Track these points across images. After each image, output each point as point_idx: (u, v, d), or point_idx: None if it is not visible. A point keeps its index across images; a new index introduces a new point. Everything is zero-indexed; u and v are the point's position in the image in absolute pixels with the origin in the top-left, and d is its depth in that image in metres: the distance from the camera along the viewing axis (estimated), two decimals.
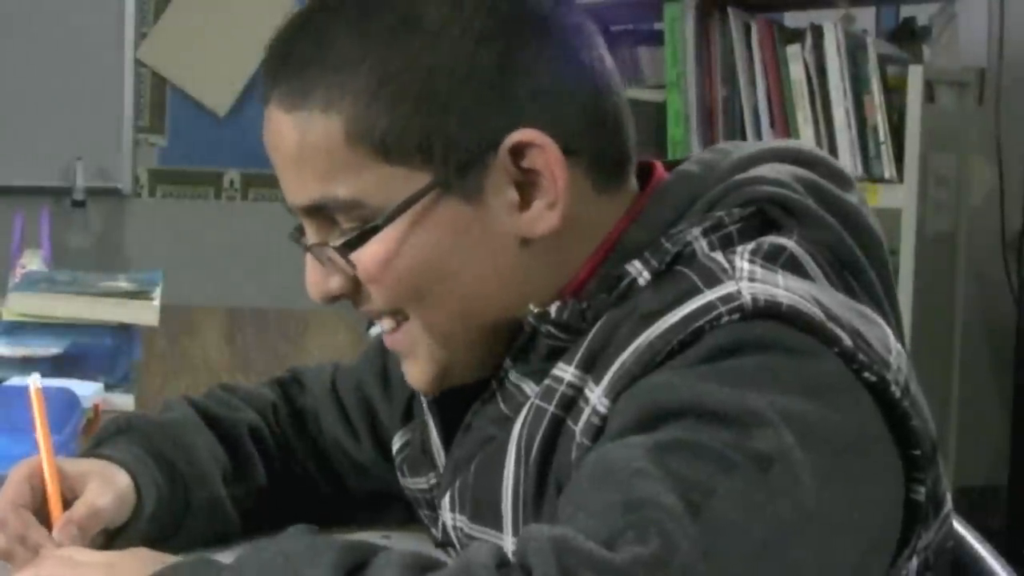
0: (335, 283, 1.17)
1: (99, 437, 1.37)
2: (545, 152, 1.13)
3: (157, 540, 1.30)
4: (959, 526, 1.36)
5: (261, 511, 1.40)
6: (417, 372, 1.21)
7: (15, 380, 1.89)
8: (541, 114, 1.13)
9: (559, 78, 1.14)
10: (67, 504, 1.24)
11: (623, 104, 1.19)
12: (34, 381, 1.29)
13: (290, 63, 1.15)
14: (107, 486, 1.27)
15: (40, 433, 1.26)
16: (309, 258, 1.19)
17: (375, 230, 1.13)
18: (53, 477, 1.25)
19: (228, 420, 1.42)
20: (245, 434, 1.42)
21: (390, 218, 1.13)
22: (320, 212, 1.16)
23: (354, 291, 1.17)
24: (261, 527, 1.34)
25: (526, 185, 1.14)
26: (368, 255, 1.14)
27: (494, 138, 1.12)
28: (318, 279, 1.18)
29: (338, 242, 1.15)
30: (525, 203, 1.14)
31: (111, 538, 1.28)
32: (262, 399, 1.47)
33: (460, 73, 1.12)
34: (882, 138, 3.23)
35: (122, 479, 1.29)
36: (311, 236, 1.18)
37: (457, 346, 1.19)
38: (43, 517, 1.23)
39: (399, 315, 1.19)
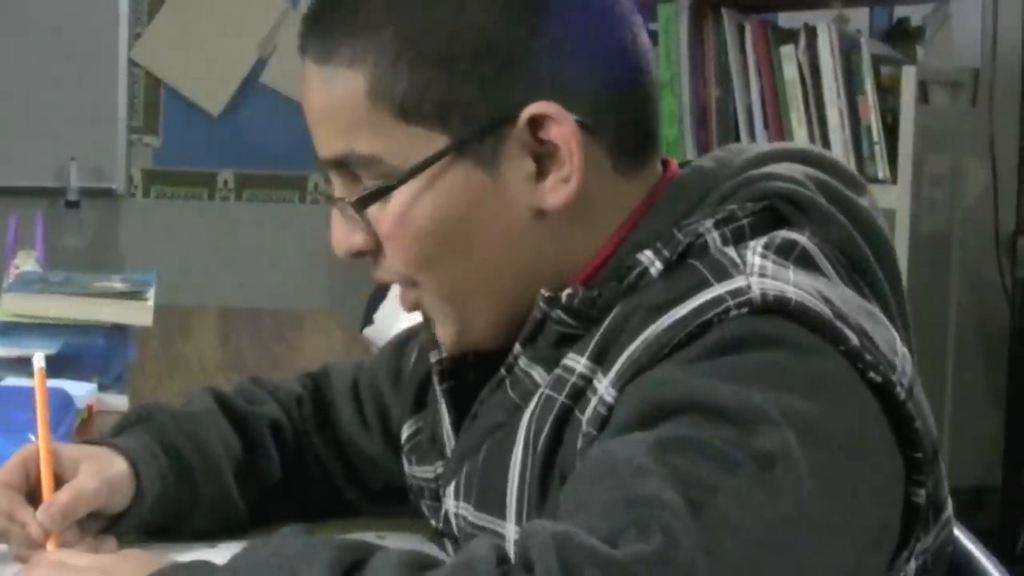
0: (358, 239, 1.19)
1: (120, 425, 1.41)
2: (562, 126, 1.13)
3: (163, 529, 1.35)
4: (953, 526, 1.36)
5: (277, 502, 1.43)
6: (440, 331, 1.22)
7: (9, 380, 1.89)
8: (563, 89, 1.14)
9: (586, 54, 1.15)
10: (60, 488, 1.27)
11: (652, 86, 1.20)
12: (38, 361, 1.33)
13: (324, 19, 1.17)
14: (98, 472, 1.30)
15: (39, 415, 1.29)
16: (335, 212, 1.20)
17: (389, 189, 1.15)
18: (47, 460, 1.28)
19: (248, 413, 1.45)
20: (264, 427, 1.45)
21: (404, 179, 1.14)
22: (344, 167, 1.18)
23: (375, 249, 1.19)
24: (278, 517, 1.35)
25: (544, 156, 1.15)
26: (384, 213, 1.16)
27: (512, 109, 1.13)
28: (342, 234, 1.20)
29: (354, 198, 1.16)
30: (542, 174, 1.15)
31: (112, 524, 1.32)
32: (288, 393, 1.50)
33: (483, 42, 1.13)
34: (876, 138, 3.23)
35: (118, 465, 1.33)
36: (337, 190, 1.20)
37: (470, 311, 1.20)
38: (39, 502, 1.27)
39: (413, 286, 1.20)
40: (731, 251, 1.11)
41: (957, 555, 1.36)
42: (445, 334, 1.22)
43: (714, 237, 1.13)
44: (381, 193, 1.15)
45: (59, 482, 1.28)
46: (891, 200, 3.22)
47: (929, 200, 3.38)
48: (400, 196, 1.15)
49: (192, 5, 4.88)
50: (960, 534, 1.37)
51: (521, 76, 1.13)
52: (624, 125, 1.17)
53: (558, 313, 1.15)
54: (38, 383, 1.31)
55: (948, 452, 3.50)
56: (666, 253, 1.13)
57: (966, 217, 3.59)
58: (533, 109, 1.13)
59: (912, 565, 1.12)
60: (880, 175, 3.23)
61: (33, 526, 1.25)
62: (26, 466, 1.29)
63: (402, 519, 1.38)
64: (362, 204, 1.16)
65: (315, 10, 1.19)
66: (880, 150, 3.23)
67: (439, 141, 1.14)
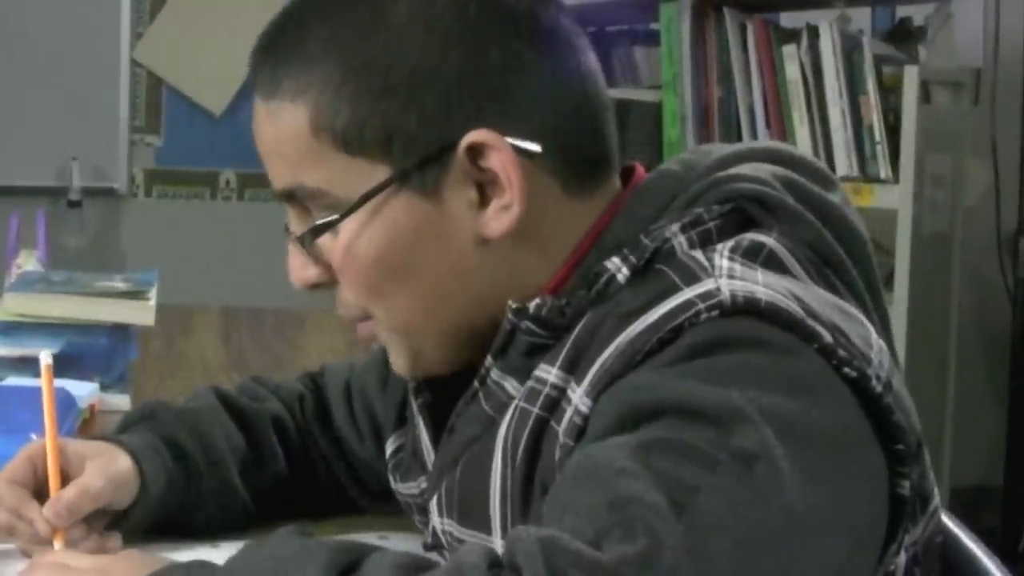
0: (312, 272, 1.20)
1: (123, 423, 1.42)
2: (501, 154, 1.13)
3: (169, 525, 1.36)
4: (953, 526, 1.37)
5: (283, 500, 1.44)
6: (393, 360, 1.23)
7: (11, 380, 1.89)
8: (505, 115, 1.14)
9: (528, 80, 1.14)
10: (66, 484, 1.29)
11: (602, 105, 1.19)
12: (46, 357, 1.33)
13: (269, 54, 1.18)
14: (103, 468, 1.31)
15: (46, 411, 1.30)
16: (291, 245, 1.21)
17: (334, 222, 1.15)
18: (54, 457, 1.29)
19: (250, 410, 1.46)
20: (267, 424, 1.46)
21: (348, 212, 1.15)
22: (294, 199, 1.18)
23: (332, 280, 1.19)
24: (284, 516, 1.36)
25: (486, 184, 1.14)
26: (334, 245, 1.16)
27: (452, 137, 1.13)
28: (297, 267, 1.21)
29: (300, 232, 1.17)
30: (484, 202, 1.15)
31: (117, 520, 1.33)
32: (291, 391, 1.51)
33: (422, 71, 1.13)
34: (878, 138, 3.23)
35: (123, 462, 1.34)
36: (291, 223, 1.20)
37: (423, 340, 1.20)
38: (46, 498, 1.28)
39: (368, 318, 1.20)
40: (698, 254, 1.11)
41: (958, 555, 1.36)
42: (399, 363, 1.22)
43: (681, 241, 1.13)
44: (326, 227, 1.16)
45: (65, 478, 1.29)
46: (893, 200, 3.22)
47: (931, 200, 3.39)
48: (347, 228, 1.15)
49: (194, 5, 4.89)
50: (961, 534, 1.37)
51: (461, 105, 1.13)
52: (572, 149, 1.17)
53: (527, 323, 1.14)
54: (45, 380, 1.32)
55: (950, 452, 3.50)
56: (633, 259, 1.13)
57: (968, 217, 3.59)
58: (471, 138, 1.13)
59: (903, 557, 1.12)
60: (882, 175, 3.23)
61: (40, 522, 1.26)
62: (33, 462, 1.30)
63: (405, 519, 1.38)
64: (309, 237, 1.17)
65: (260, 46, 1.19)
66: (882, 150, 3.23)
67: (381, 172, 1.14)
